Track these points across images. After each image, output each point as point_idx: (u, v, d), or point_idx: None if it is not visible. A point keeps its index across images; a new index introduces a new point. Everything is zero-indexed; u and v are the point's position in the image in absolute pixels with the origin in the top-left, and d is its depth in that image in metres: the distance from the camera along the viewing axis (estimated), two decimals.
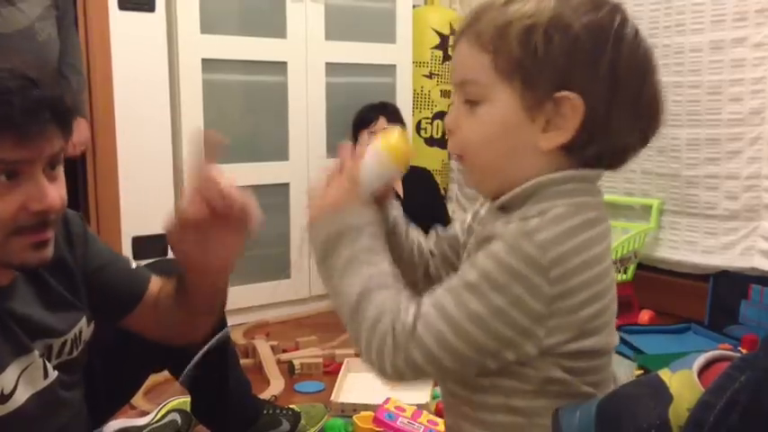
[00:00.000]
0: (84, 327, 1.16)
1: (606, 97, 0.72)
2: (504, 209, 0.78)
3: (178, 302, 1.18)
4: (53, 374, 1.11)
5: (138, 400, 1.94)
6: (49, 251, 1.03)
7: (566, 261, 0.70)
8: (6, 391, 1.02)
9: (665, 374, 0.60)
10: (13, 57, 0.98)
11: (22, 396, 1.04)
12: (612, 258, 2.49)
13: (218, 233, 1.04)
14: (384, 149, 0.82)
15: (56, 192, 0.99)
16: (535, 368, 0.74)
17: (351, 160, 0.82)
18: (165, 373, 1.63)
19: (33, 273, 1.10)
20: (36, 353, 1.08)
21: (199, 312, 1.20)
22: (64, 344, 1.12)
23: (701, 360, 0.59)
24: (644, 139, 0.78)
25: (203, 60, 2.73)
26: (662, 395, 0.59)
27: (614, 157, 0.78)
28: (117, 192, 2.61)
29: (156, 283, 1.24)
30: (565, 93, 0.72)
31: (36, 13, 2.28)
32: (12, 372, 1.03)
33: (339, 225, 0.78)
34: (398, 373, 0.72)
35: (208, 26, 2.74)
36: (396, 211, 0.92)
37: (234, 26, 2.84)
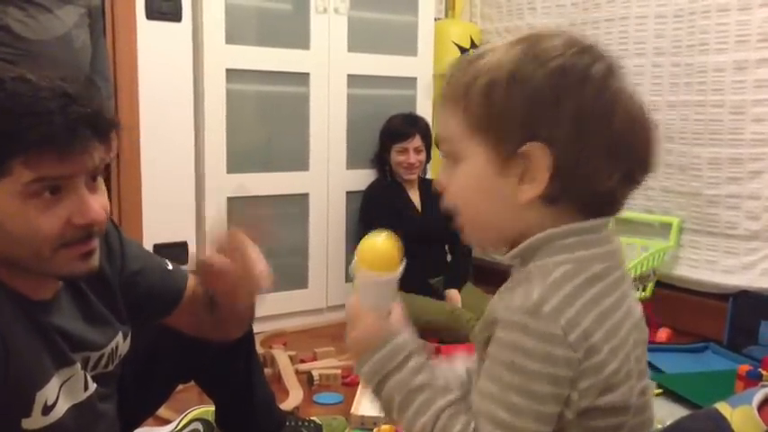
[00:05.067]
0: (120, 342, 1.18)
1: (574, 143, 0.71)
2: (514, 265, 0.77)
3: (208, 311, 1.21)
4: (92, 386, 1.12)
5: (160, 408, 1.95)
6: (95, 260, 1.05)
7: (580, 322, 0.69)
8: (50, 403, 1.03)
9: (724, 409, 0.60)
10: (49, 70, 1.00)
11: (62, 408, 1.06)
12: (632, 275, 2.46)
13: (241, 279, 1.13)
14: (375, 271, 0.83)
15: (98, 203, 1.01)
16: None
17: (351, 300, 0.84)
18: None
19: (75, 287, 1.11)
20: (78, 365, 1.09)
21: (228, 325, 1.24)
22: (101, 357, 1.14)
23: (759, 396, 0.59)
24: (632, 181, 0.75)
25: (227, 70, 2.75)
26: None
27: (606, 203, 0.75)
28: (140, 199, 2.63)
29: (193, 281, 1.28)
30: (530, 144, 0.71)
31: (72, 20, 2.31)
32: (54, 383, 1.05)
33: (376, 365, 0.79)
34: None
35: (233, 37, 2.77)
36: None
37: (258, 37, 2.87)
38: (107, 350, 1.15)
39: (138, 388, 1.34)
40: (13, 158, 0.94)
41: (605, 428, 0.73)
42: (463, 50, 3.46)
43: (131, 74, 2.58)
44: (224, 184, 2.78)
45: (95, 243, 1.04)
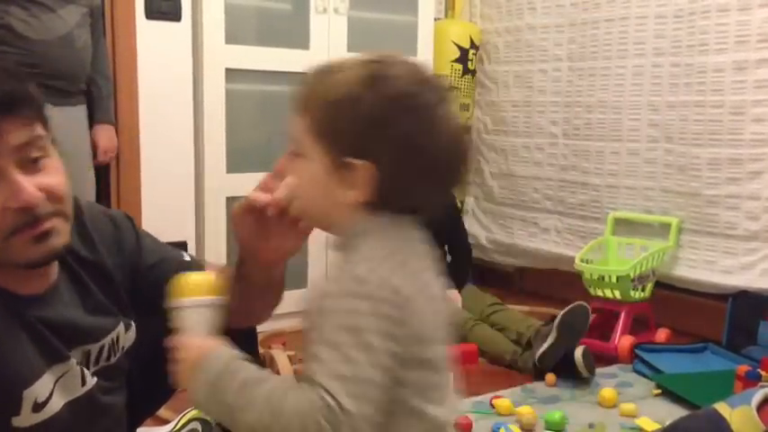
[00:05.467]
0: (122, 333, 1.17)
1: (396, 163, 0.80)
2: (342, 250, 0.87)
3: (234, 291, 1.17)
4: (91, 381, 1.11)
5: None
6: (54, 241, 1.01)
7: (398, 286, 0.79)
8: (41, 400, 1.02)
9: (723, 410, 0.60)
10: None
11: (57, 403, 1.05)
12: (631, 275, 2.45)
13: (278, 227, 1.06)
14: (193, 297, 0.89)
15: (33, 184, 0.97)
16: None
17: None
18: None
19: (75, 278, 1.11)
20: (73, 360, 1.08)
21: (254, 304, 1.19)
22: (101, 349, 1.13)
23: (758, 396, 0.59)
24: (444, 193, 0.88)
25: (227, 70, 2.75)
26: None
27: (417, 209, 0.86)
28: (140, 198, 2.64)
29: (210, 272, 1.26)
30: (357, 160, 0.80)
31: (74, 20, 2.32)
32: (47, 380, 1.03)
33: (208, 376, 0.82)
34: None
35: (232, 36, 2.77)
36: None
37: (258, 37, 2.87)
38: (107, 341, 1.14)
39: (144, 383, 1.32)
40: None
41: (421, 383, 0.83)
42: (463, 50, 3.47)
43: (131, 73, 2.58)
44: (224, 184, 2.78)
45: (49, 224, 0.99)
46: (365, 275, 0.79)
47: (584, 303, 2.44)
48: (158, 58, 2.62)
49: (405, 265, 0.81)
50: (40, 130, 1.00)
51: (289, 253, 1.11)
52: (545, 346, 2.38)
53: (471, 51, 3.50)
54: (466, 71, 3.50)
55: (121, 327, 1.17)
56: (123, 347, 1.18)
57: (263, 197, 1.04)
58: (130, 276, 1.20)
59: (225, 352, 0.84)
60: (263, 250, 1.09)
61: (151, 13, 2.59)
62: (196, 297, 0.90)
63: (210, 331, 0.90)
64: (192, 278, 0.92)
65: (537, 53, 3.32)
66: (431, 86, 0.83)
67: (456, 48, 3.46)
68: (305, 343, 0.82)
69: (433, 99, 0.82)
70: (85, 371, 1.11)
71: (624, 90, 2.98)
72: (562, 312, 2.41)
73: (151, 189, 2.65)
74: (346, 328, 0.77)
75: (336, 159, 0.82)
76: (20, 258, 0.99)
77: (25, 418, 0.99)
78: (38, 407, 1.02)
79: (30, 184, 0.96)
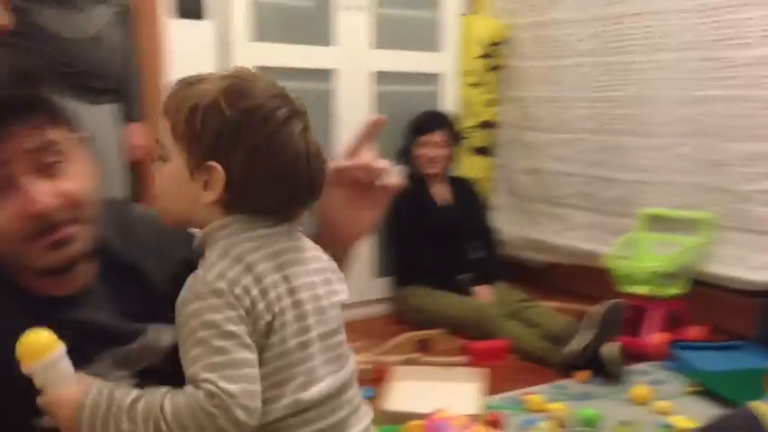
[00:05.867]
0: (156, 336, 1.16)
1: (245, 169, 0.88)
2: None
3: None
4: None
5: None
6: (73, 248, 1.00)
7: (239, 280, 0.86)
8: None
9: (759, 408, 0.58)
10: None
11: None
12: (662, 272, 2.41)
13: (358, 202, 1.08)
14: (37, 361, 0.90)
15: (48, 191, 0.96)
16: None
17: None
18: None
19: (109, 279, 1.10)
20: (102, 363, 1.07)
21: None
22: (132, 352, 1.12)
23: None
24: (297, 201, 0.94)
25: (253, 68, 2.76)
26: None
27: (271, 213, 0.93)
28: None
29: None
30: (211, 163, 0.88)
31: (105, 20, 2.34)
32: None
33: (91, 421, 0.87)
34: None
35: (258, 34, 2.78)
36: None
37: (283, 34, 2.87)
38: (139, 344, 1.13)
39: (182, 385, 1.31)
40: None
41: (281, 364, 0.89)
42: (488, 46, 3.44)
43: (158, 72, 2.60)
44: None
45: (66, 231, 0.98)
46: (211, 277, 0.86)
47: (622, 301, 2.42)
48: (186, 56, 2.63)
49: (249, 264, 0.88)
50: (55, 134, 0.98)
51: (367, 227, 1.12)
52: (581, 342, 2.35)
53: (497, 47, 3.48)
54: (492, 67, 3.47)
55: (157, 330, 1.16)
56: (156, 349, 1.17)
57: (349, 162, 1.06)
58: (173, 282, 1.19)
59: (93, 391, 0.89)
60: (341, 224, 1.10)
61: (178, 12, 2.60)
62: (40, 359, 0.90)
63: (68, 377, 0.91)
64: (25, 343, 0.90)
65: (563, 48, 3.29)
66: (284, 104, 0.90)
67: (482, 44, 3.43)
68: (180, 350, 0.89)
69: (284, 115, 0.89)
70: (115, 373, 1.09)
71: (652, 85, 2.94)
72: (600, 309, 2.38)
73: None
74: (205, 324, 0.84)
75: (193, 161, 0.89)
76: (38, 264, 0.99)
77: (48, 419, 0.97)
78: None
79: (44, 191, 0.95)
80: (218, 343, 0.84)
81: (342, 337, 0.98)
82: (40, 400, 0.90)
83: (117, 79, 2.45)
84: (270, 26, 2.83)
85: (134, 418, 0.85)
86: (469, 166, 3.44)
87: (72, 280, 1.05)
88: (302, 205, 0.95)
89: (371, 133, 1.10)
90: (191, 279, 0.88)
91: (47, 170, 0.97)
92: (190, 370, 0.85)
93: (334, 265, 1.00)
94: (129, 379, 1.11)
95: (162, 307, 1.15)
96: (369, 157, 1.07)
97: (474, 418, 1.86)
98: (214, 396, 0.82)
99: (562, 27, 3.28)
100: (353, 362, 0.99)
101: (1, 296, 0.97)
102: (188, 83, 0.92)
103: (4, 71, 0.98)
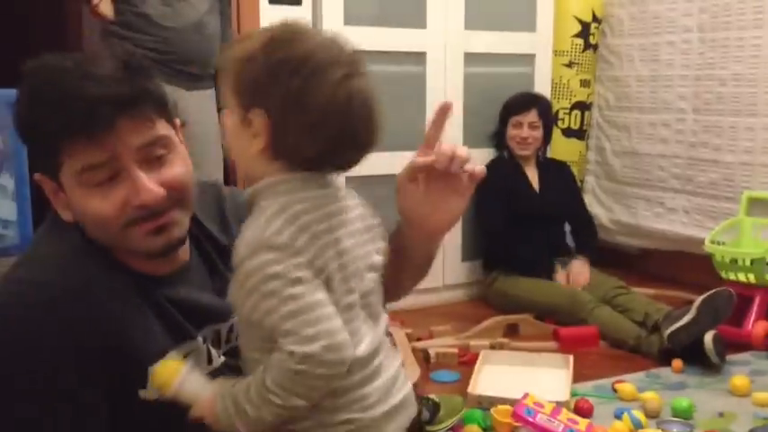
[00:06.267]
0: None
1: (281, 117, 0.91)
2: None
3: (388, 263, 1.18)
4: (219, 360, 1.14)
5: None
6: (173, 234, 1.05)
7: (296, 240, 0.89)
8: None
9: None
10: (74, 55, 1.00)
11: None
12: (767, 258, 2.28)
13: (443, 192, 1.08)
14: (172, 383, 1.00)
15: (154, 182, 1.00)
16: None
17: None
18: None
19: (206, 258, 1.16)
20: (200, 339, 1.12)
21: (405, 281, 1.20)
22: (231, 329, 1.17)
23: None
24: (340, 152, 0.95)
25: None
26: None
27: (314, 164, 0.94)
28: None
29: None
30: (253, 111, 0.92)
31: (205, 7, 2.43)
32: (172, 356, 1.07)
33: (227, 413, 0.95)
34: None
35: (350, 18, 2.80)
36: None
37: (375, 17, 2.89)
38: (232, 323, 1.17)
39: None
40: (58, 152, 0.97)
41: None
42: (584, 24, 3.35)
43: None
44: None
45: (167, 219, 1.03)
46: (269, 233, 0.89)
47: (731, 289, 2.32)
48: None
49: (297, 218, 0.91)
50: (163, 128, 1.03)
51: (456, 216, 1.12)
52: (680, 323, 2.27)
53: (593, 25, 3.38)
54: (587, 46, 3.38)
55: None
56: None
57: (426, 158, 1.07)
58: None
59: (218, 395, 0.96)
60: (430, 218, 1.10)
61: None
62: (173, 384, 0.99)
63: (201, 384, 1.00)
64: (157, 375, 1.02)
65: (665, 24, 3.16)
66: (325, 52, 0.92)
67: (577, 22, 3.34)
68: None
69: (321, 63, 0.91)
70: (213, 350, 1.14)
71: (760, 62, 2.80)
72: (705, 294, 2.29)
73: None
74: (271, 276, 0.87)
75: (241, 112, 0.94)
76: (139, 248, 1.04)
77: (152, 391, 1.03)
78: None
79: (152, 183, 1.00)
80: (290, 291, 0.87)
81: (379, 296, 1.02)
82: (190, 415, 0.98)
83: (215, 65, 2.53)
84: (363, 9, 2.85)
85: (253, 401, 0.91)
86: (561, 149, 3.37)
87: (171, 260, 1.10)
88: (350, 157, 0.97)
89: (441, 119, 1.11)
90: (246, 235, 0.91)
91: (154, 162, 1.02)
92: (266, 321, 0.89)
93: (371, 223, 1.03)
94: (224, 355, 1.16)
95: None
96: (448, 146, 1.06)
97: (563, 405, 1.84)
98: (295, 355, 0.87)
99: (664, 2, 3.15)
100: (385, 317, 1.04)
101: (107, 275, 1.03)
102: (238, 40, 0.98)
103: (112, 63, 1.01)
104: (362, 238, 1.00)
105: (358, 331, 0.96)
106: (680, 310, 2.34)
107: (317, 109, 0.91)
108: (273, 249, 0.88)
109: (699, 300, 2.29)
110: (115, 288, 1.02)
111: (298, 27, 0.95)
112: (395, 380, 1.01)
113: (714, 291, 2.30)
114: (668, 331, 2.28)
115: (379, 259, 1.03)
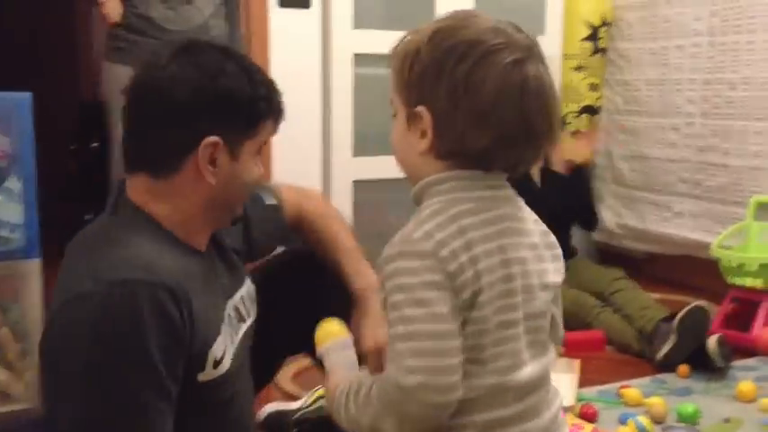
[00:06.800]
0: (248, 288, 1.30)
1: (447, 110, 0.85)
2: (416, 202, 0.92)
3: None
4: (236, 338, 1.21)
5: (287, 383, 2.04)
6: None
7: (448, 243, 0.83)
8: (218, 357, 1.11)
9: None
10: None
11: (228, 361, 1.14)
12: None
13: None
14: (336, 339, 1.02)
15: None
16: None
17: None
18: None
19: (215, 236, 1.24)
20: (227, 315, 1.19)
21: None
22: (242, 301, 1.25)
23: None
24: (509, 145, 0.86)
25: (355, 55, 2.80)
26: None
27: (481, 159, 0.87)
28: (269, 181, 2.74)
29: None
30: (419, 108, 0.87)
31: (210, 10, 2.44)
32: (222, 338, 1.13)
33: (338, 403, 0.92)
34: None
35: (360, 21, 2.82)
36: None
37: (385, 20, 2.90)
38: (242, 294, 1.25)
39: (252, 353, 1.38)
40: (264, 120, 1.16)
41: (484, 342, 0.85)
42: (594, 28, 3.35)
43: (263, 60, 2.68)
44: (350, 168, 2.84)
45: None
46: (418, 235, 0.83)
47: (704, 305, 2.30)
48: (289, 44, 2.71)
49: (464, 227, 0.84)
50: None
51: None
52: (666, 348, 2.27)
53: (603, 29, 3.38)
54: (596, 50, 3.38)
55: (247, 282, 1.30)
56: (252, 300, 1.30)
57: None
58: (246, 243, 1.37)
59: (350, 378, 0.93)
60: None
61: (283, 1, 2.68)
62: (327, 342, 1.02)
63: (347, 365, 0.99)
64: (321, 328, 1.04)
65: (675, 28, 3.16)
66: (494, 37, 0.85)
67: (586, 25, 3.34)
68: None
69: (490, 48, 0.84)
70: (239, 325, 1.23)
71: None
72: (680, 314, 2.28)
73: (280, 172, 2.74)
74: (400, 288, 0.82)
75: (407, 110, 0.89)
76: (234, 214, 1.21)
77: (208, 373, 1.10)
78: (216, 364, 1.11)
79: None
80: (408, 312, 0.81)
81: (547, 321, 0.93)
82: (324, 383, 0.99)
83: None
84: (372, 12, 2.87)
85: (358, 402, 0.88)
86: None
87: (206, 238, 1.20)
88: (521, 153, 0.89)
89: None
90: (400, 234, 0.86)
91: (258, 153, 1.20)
92: (390, 330, 0.84)
93: (550, 240, 0.95)
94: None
95: (240, 262, 1.33)
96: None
97: (567, 410, 1.84)
98: (390, 381, 0.82)
99: (675, 6, 3.15)
100: (553, 349, 0.95)
101: (186, 263, 1.11)
102: (406, 35, 0.91)
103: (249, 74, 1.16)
104: (539, 253, 0.91)
105: (518, 354, 0.87)
106: (666, 326, 2.31)
107: (485, 95, 0.84)
108: (413, 257, 0.82)
109: (676, 320, 2.27)
110: (194, 275, 1.10)
111: (466, 14, 0.89)
112: (552, 422, 0.91)
113: (686, 310, 2.27)
114: (658, 357, 2.28)
115: (556, 281, 0.93)
